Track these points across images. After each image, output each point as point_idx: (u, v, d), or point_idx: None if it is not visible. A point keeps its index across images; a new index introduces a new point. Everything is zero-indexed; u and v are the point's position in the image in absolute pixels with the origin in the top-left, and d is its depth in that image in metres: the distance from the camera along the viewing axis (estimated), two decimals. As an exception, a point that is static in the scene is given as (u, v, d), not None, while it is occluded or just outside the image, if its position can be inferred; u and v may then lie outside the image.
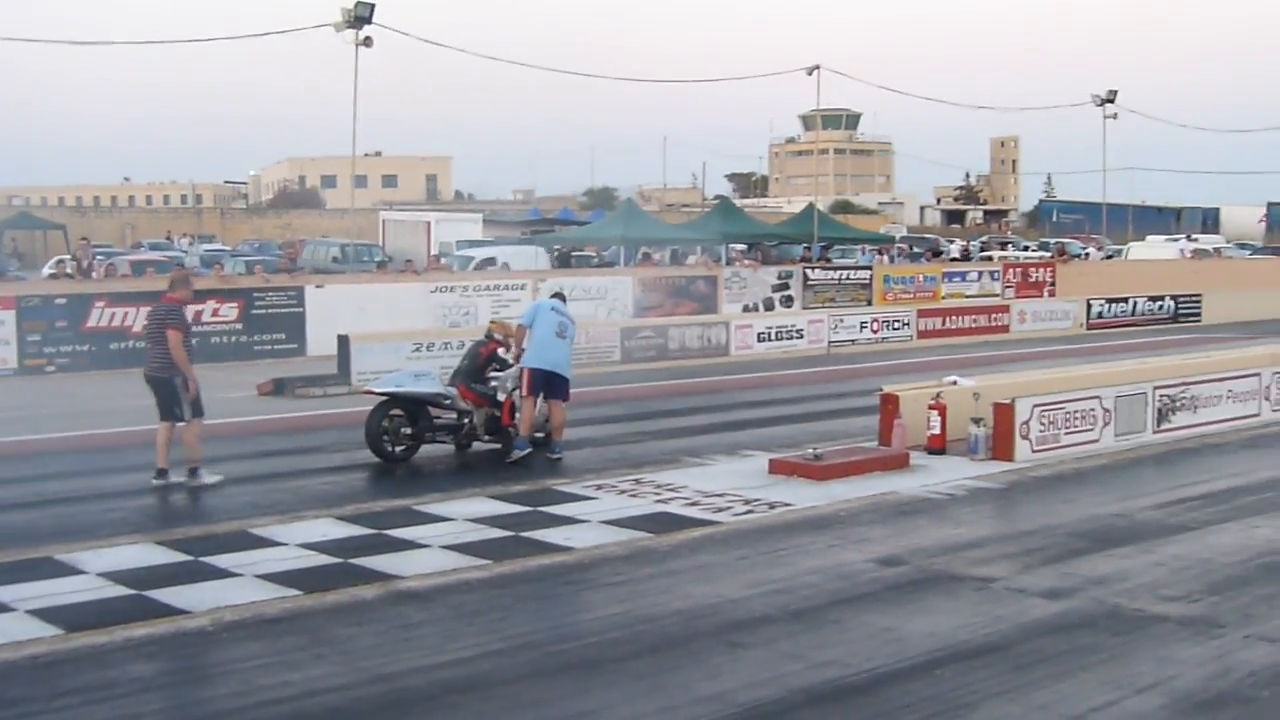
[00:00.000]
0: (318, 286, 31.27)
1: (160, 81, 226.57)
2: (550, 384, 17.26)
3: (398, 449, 17.15)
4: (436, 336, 27.40)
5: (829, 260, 46.02)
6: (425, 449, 17.31)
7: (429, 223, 57.18)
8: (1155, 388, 19.07)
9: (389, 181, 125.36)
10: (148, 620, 10.10)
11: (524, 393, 17.15)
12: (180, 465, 15.52)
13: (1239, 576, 11.53)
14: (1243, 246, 76.92)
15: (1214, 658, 9.29)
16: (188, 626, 10.01)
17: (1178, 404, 19.24)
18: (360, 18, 35.86)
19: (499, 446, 17.65)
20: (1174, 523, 13.71)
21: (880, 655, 9.38)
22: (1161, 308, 43.21)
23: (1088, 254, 64.02)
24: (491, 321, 19.38)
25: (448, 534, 12.98)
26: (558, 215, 77.79)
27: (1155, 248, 64.16)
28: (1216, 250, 66.46)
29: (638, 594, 10.96)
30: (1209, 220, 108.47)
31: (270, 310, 30.13)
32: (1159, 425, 18.91)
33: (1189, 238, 70.94)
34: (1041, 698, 8.50)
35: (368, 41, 36.26)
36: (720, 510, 14.13)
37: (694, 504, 14.40)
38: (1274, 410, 20.85)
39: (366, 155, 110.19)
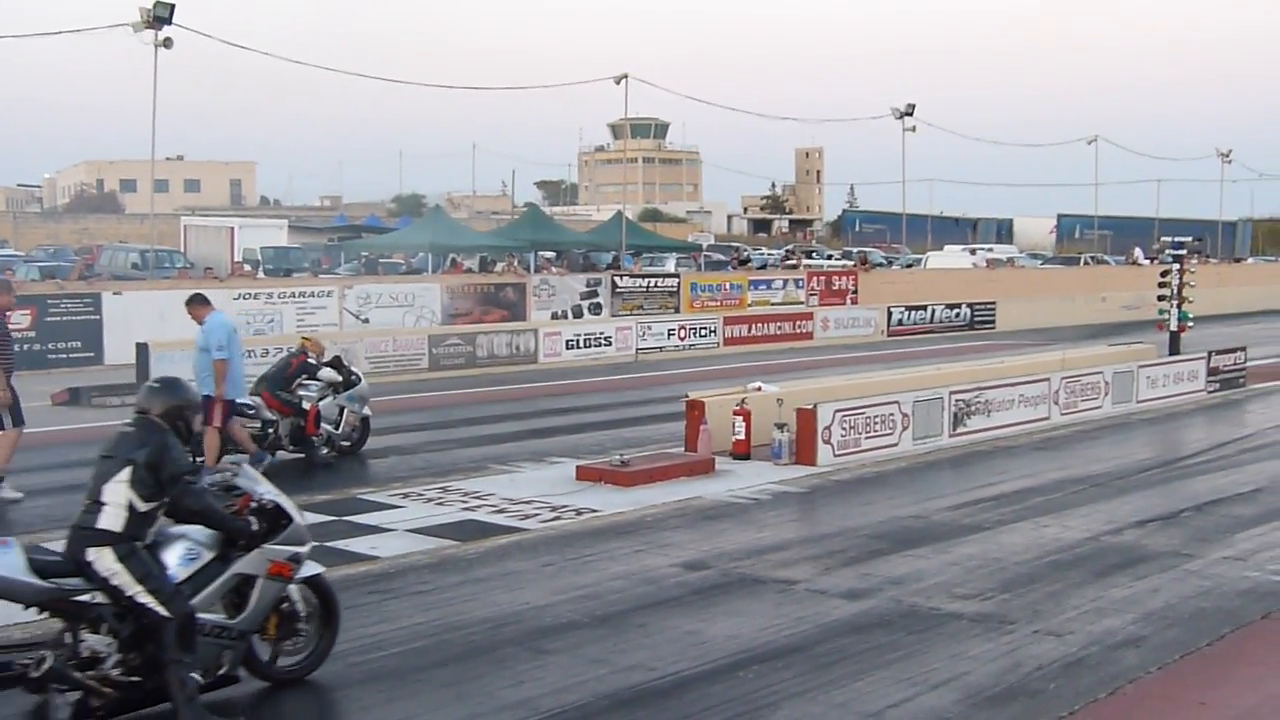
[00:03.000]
0: (115, 293, 30.35)
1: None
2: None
3: (199, 459, 16.74)
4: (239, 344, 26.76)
5: (638, 266, 46.38)
6: (228, 458, 16.93)
7: (232, 229, 55.94)
8: (951, 393, 19.63)
9: (191, 186, 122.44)
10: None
11: (217, 423, 15.84)
12: None
13: (1028, 574, 11.92)
14: (1035, 256, 79.51)
15: (1004, 653, 9.59)
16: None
17: (973, 408, 19.82)
18: (159, 18, 34.99)
19: (303, 456, 17.42)
20: (968, 523, 14.12)
21: (684, 658, 9.47)
22: (958, 315, 44.47)
23: (889, 262, 65.58)
24: (305, 338, 19.05)
25: (249, 545, 12.69)
26: (365, 222, 76.90)
27: (952, 257, 66.03)
28: (1010, 260, 68.71)
29: (443, 602, 10.89)
30: (1003, 231, 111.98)
31: (66, 318, 29.15)
32: (955, 429, 19.47)
33: (985, 249, 73.18)
34: (841, 696, 8.68)
35: (168, 43, 35.40)
36: (527, 517, 14.12)
37: (501, 511, 14.37)
38: (1063, 414, 21.62)
39: (168, 159, 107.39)
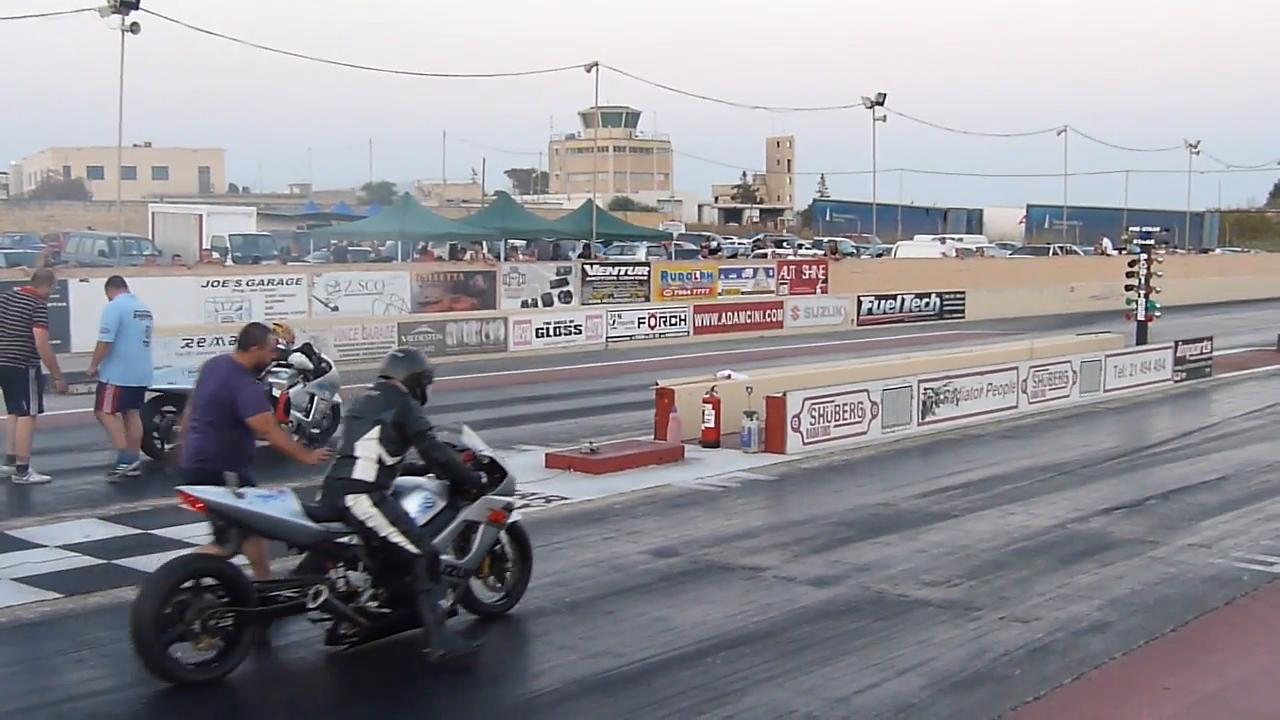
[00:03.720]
0: (82, 280, 30.05)
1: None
2: (140, 397, 15.86)
3: (168, 446, 16.67)
4: (208, 332, 26.78)
5: (605, 255, 46.36)
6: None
7: (200, 216, 55.77)
8: (920, 381, 19.70)
9: (159, 173, 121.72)
10: (-106, 627, 9.64)
11: (109, 409, 15.48)
12: None
13: (995, 561, 11.99)
14: (1004, 246, 79.90)
15: (971, 639, 9.65)
16: (-63, 633, 9.58)
17: (941, 397, 19.90)
18: (126, 3, 34.67)
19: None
20: (936, 511, 14.19)
21: (653, 645, 9.49)
22: (928, 305, 44.64)
23: (859, 251, 65.73)
24: (276, 325, 18.94)
25: (217, 533, 12.66)
26: (334, 210, 76.63)
27: (922, 247, 66.29)
28: (980, 250, 68.98)
29: (412, 590, 10.86)
30: (973, 221, 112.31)
31: (31, 305, 28.88)
32: (923, 417, 19.54)
33: (954, 239, 73.40)
34: (808, 682, 8.71)
35: (134, 28, 35.10)
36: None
37: (471, 498, 14.35)
38: (1031, 403, 21.73)
39: (135, 146, 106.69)
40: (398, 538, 8.93)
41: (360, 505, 8.93)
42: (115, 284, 16.33)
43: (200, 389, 9.68)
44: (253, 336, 9.78)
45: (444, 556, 9.31)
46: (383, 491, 9.04)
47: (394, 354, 9.99)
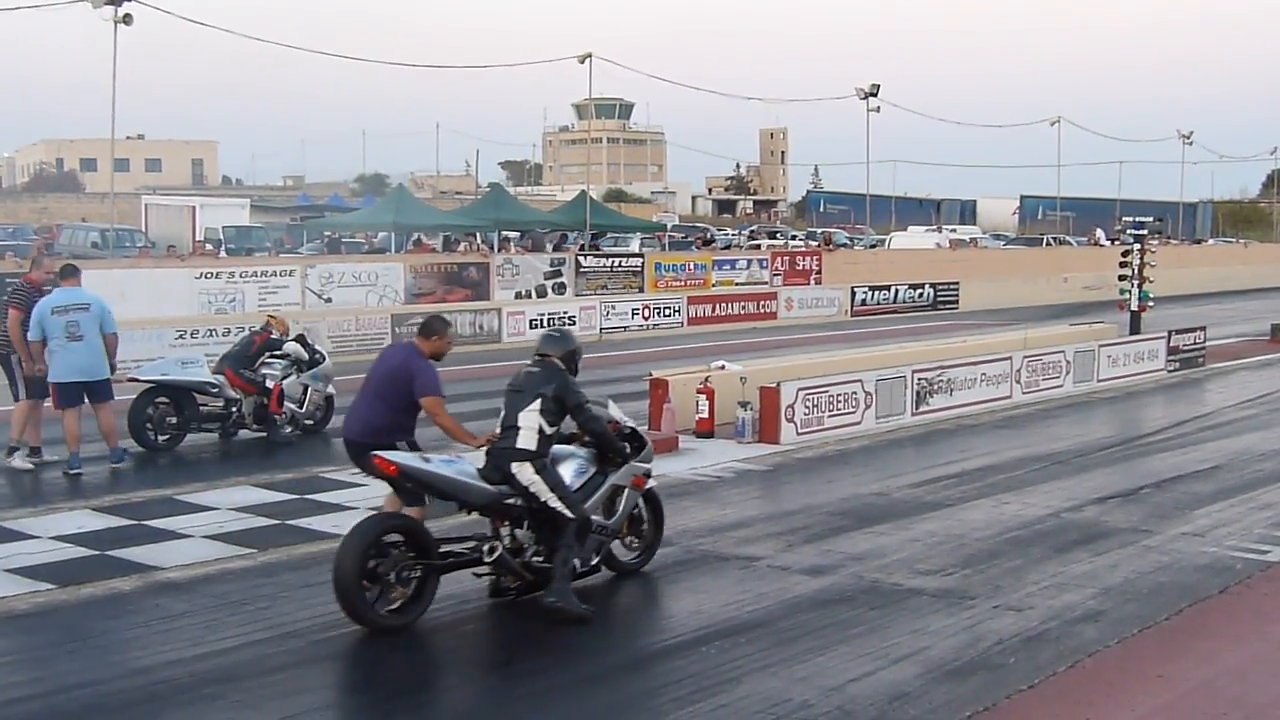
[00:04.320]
0: (75, 272, 30.05)
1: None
2: (91, 391, 15.25)
3: (161, 438, 16.71)
4: (201, 323, 26.74)
5: (594, 247, 46.37)
6: (191, 437, 16.91)
7: (194, 208, 55.65)
8: (914, 371, 19.71)
9: (152, 165, 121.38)
10: (-113, 618, 9.62)
11: (54, 406, 15.27)
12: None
13: (988, 550, 12.00)
14: (998, 237, 79.83)
15: (965, 628, 9.65)
16: (-69, 624, 9.56)
17: (935, 387, 19.91)
18: (119, -7, 34.57)
19: (266, 434, 17.36)
20: (930, 500, 14.20)
21: (648, 634, 9.48)
22: (922, 295, 44.66)
23: (853, 242, 65.71)
24: (270, 316, 18.93)
25: (211, 523, 12.67)
26: (328, 201, 76.53)
27: (916, 237, 66.24)
28: (973, 240, 68.98)
29: (406, 580, 10.85)
30: (967, 211, 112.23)
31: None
32: (917, 407, 19.55)
33: (948, 230, 73.40)
34: (803, 670, 8.71)
35: (127, 19, 34.98)
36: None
37: (464, 489, 14.33)
38: (1025, 393, 21.74)
39: (128, 138, 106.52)
40: (555, 503, 9.85)
41: (524, 472, 9.80)
42: (66, 274, 15.67)
43: (378, 366, 10.60)
44: (434, 327, 10.68)
45: (594, 517, 10.26)
46: (543, 459, 9.92)
47: (549, 333, 10.86)
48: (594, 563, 10.46)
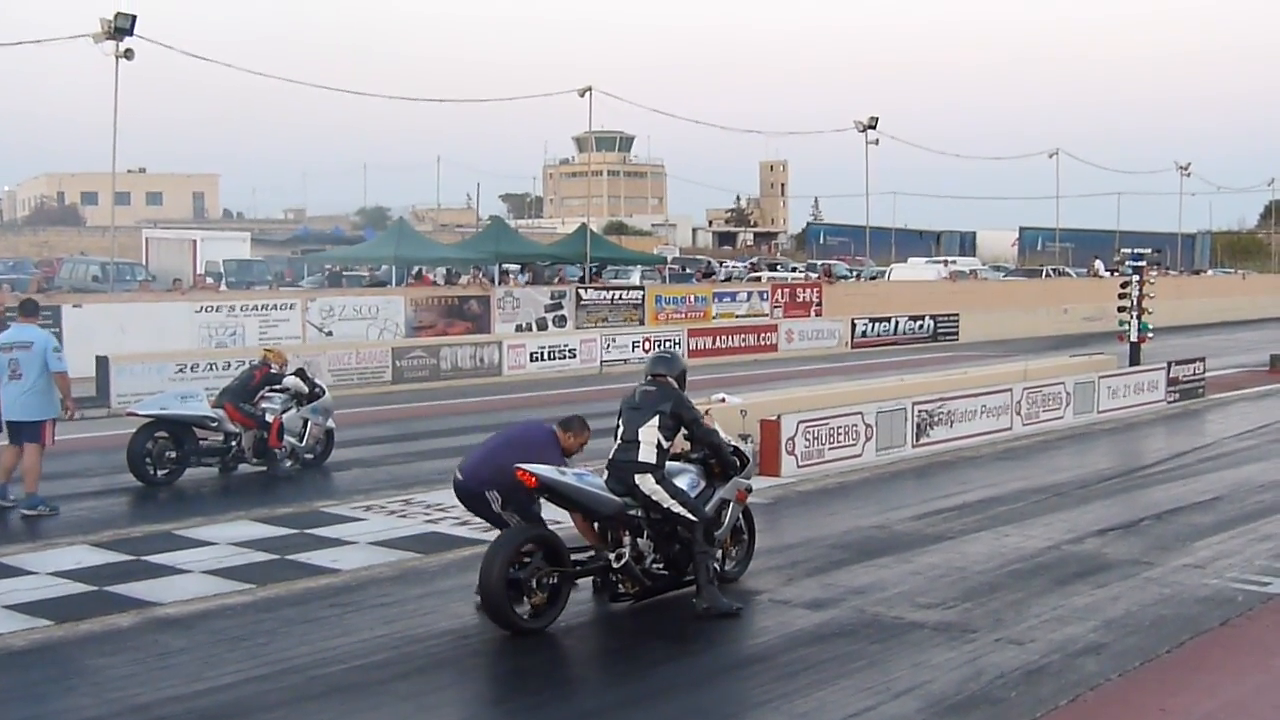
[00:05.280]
0: (75, 306, 30.09)
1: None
2: (22, 430, 14.96)
3: (161, 473, 16.67)
4: (201, 357, 26.70)
5: (598, 278, 46.42)
6: (190, 472, 16.88)
7: (195, 241, 55.73)
8: (914, 404, 19.69)
9: (153, 199, 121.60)
10: (-116, 655, 9.57)
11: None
12: None
13: (990, 583, 11.95)
14: (997, 268, 79.92)
15: (966, 661, 9.60)
16: (-72, 661, 9.52)
17: (935, 419, 19.89)
18: (120, 29, 34.56)
19: (266, 469, 17.33)
20: (931, 533, 14.16)
21: (647, 669, 9.43)
22: (922, 327, 44.66)
23: (854, 274, 65.78)
24: (268, 350, 18.89)
25: (210, 558, 12.63)
26: (329, 234, 76.64)
27: (916, 269, 66.29)
28: (973, 272, 69.02)
29: (406, 614, 10.83)
30: (966, 243, 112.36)
31: (24, 330, 28.81)
32: (918, 439, 19.52)
33: (946, 262, 73.46)
34: (804, 705, 8.66)
35: (129, 54, 35.03)
36: (490, 529, 14.02)
37: (464, 523, 14.25)
38: (1025, 424, 21.72)
39: (130, 172, 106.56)
40: (679, 509, 10.60)
41: (647, 483, 10.56)
42: (25, 311, 15.61)
43: (515, 432, 11.43)
44: (574, 425, 11.17)
45: None
46: (662, 471, 10.68)
47: (660, 355, 11.94)
48: (730, 568, 11.65)
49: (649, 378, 11.24)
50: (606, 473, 10.81)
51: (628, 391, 11.29)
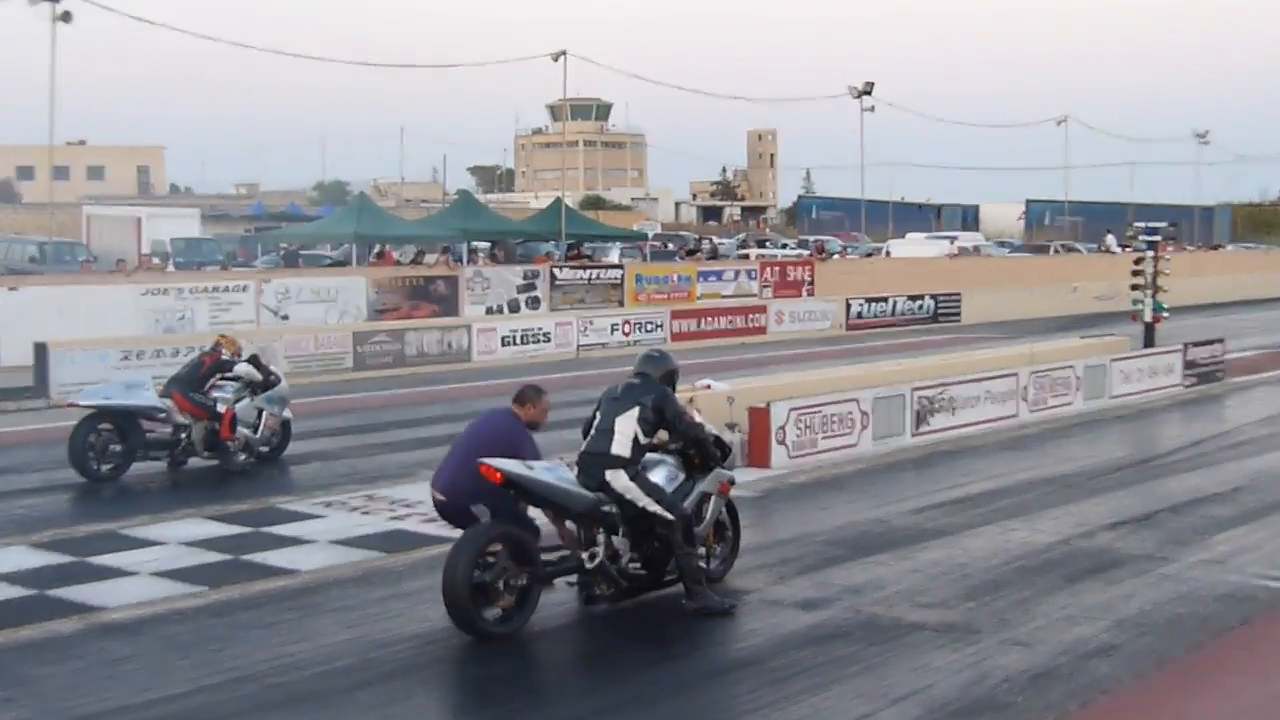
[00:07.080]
0: (10, 289, 29.96)
1: None
2: None
3: (105, 467, 16.63)
4: (148, 344, 26.62)
5: (581, 254, 46.43)
6: (137, 466, 16.84)
7: (139, 218, 55.51)
8: (914, 389, 19.73)
9: (95, 173, 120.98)
10: None
11: None
12: None
13: (994, 581, 12.01)
14: (1002, 244, 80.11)
15: (969, 665, 9.65)
16: None
17: (936, 406, 19.94)
18: (57, -10, 34.52)
19: (218, 463, 17.29)
20: (931, 528, 14.21)
21: (631, 675, 9.47)
22: (921, 307, 44.73)
23: (848, 250, 65.86)
24: (221, 336, 18.83)
25: (159, 559, 12.63)
26: (284, 211, 76.45)
27: (917, 245, 66.39)
28: (976, 248, 69.16)
29: (369, 618, 10.84)
30: (969, 217, 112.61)
31: (-45, 316, 28.69)
32: (918, 428, 19.58)
33: (952, 239, 73.63)
34: (797, 712, 8.70)
35: (66, 17, 35.01)
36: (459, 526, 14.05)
37: (432, 520, 14.17)
38: (1032, 411, 21.79)
39: (69, 144, 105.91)
40: (654, 507, 10.58)
41: (619, 480, 10.56)
42: None
43: (477, 429, 11.16)
44: (528, 395, 11.24)
45: None
46: (636, 467, 10.67)
47: (649, 354, 11.76)
48: (712, 566, 11.57)
49: (635, 374, 11.31)
50: (577, 467, 10.82)
51: (610, 384, 11.33)
